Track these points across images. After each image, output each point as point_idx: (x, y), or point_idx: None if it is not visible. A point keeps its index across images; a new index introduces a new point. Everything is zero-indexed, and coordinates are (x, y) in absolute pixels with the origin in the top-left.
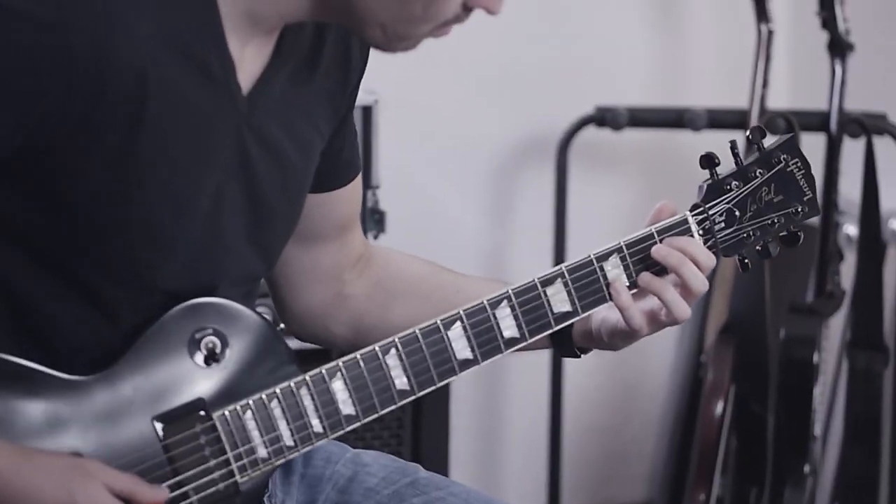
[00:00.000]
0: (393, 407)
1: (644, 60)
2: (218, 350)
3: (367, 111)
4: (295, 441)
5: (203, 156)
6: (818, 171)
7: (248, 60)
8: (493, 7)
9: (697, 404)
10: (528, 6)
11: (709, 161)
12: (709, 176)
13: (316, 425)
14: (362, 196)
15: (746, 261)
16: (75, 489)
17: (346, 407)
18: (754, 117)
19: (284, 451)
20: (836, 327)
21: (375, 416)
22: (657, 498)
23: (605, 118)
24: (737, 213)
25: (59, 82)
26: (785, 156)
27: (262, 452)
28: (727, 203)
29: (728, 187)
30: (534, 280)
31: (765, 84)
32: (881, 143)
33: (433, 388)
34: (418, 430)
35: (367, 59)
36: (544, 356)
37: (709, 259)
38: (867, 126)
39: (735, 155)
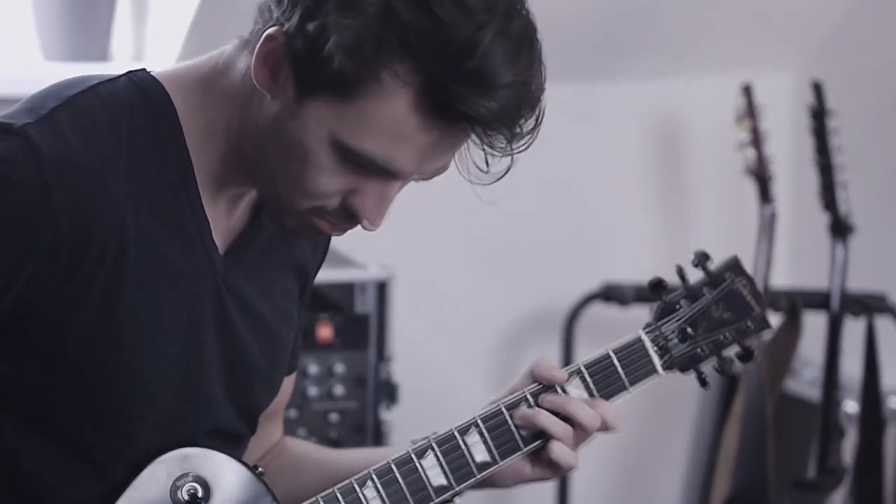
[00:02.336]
0: None
1: (649, 237)
2: (200, 495)
3: (382, 286)
4: None
5: (181, 309)
6: (820, 349)
7: (225, 222)
8: (370, 223)
9: None
10: (536, 184)
11: (657, 286)
12: (659, 300)
13: None
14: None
15: (704, 376)
16: None
17: None
18: None
19: None
20: (836, 502)
21: None
22: None
23: (611, 294)
24: (689, 330)
25: (44, 237)
26: (730, 274)
27: None
28: (678, 321)
29: (678, 307)
30: (452, 430)
31: (768, 263)
32: (882, 323)
33: None
34: None
35: (327, 252)
36: None
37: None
38: (868, 306)
39: (682, 278)
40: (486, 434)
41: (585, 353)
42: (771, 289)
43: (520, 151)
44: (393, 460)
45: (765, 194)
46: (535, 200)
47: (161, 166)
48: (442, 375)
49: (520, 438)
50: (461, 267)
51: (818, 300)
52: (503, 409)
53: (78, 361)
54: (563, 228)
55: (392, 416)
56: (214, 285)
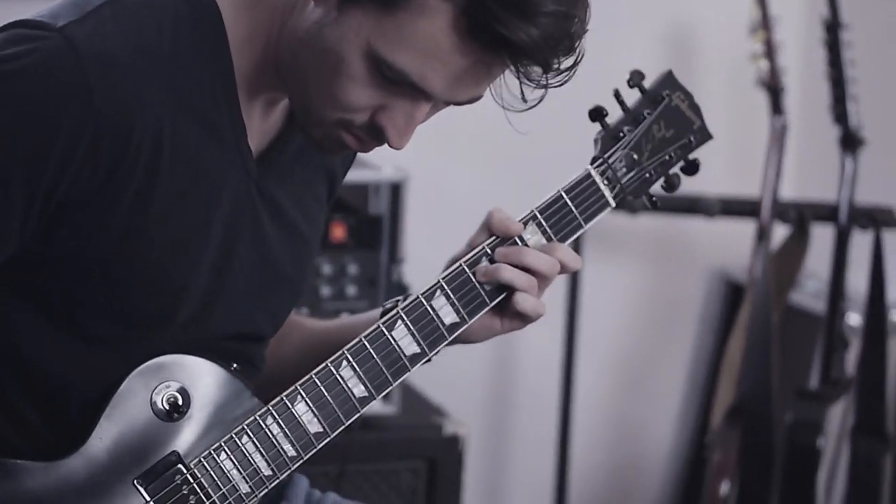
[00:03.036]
0: (357, 416)
1: None
2: (180, 402)
3: (396, 187)
4: (273, 469)
5: (212, 213)
6: (824, 262)
7: (259, 127)
8: (396, 142)
9: (699, 484)
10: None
11: (597, 113)
12: (600, 128)
13: (289, 450)
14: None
15: (654, 199)
16: None
17: (313, 426)
18: (766, 206)
19: (265, 482)
20: (834, 413)
21: (342, 428)
22: None
23: (621, 203)
24: (635, 156)
25: (85, 137)
26: (667, 91)
27: (244, 488)
28: (624, 149)
29: (621, 133)
30: (418, 296)
31: (777, 175)
32: (889, 236)
33: (390, 388)
34: (432, 502)
35: (355, 157)
36: (552, 429)
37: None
38: (876, 219)
39: (620, 102)
40: (451, 295)
41: (595, 264)
42: (780, 201)
43: (555, 86)
44: (364, 336)
45: (776, 106)
46: (547, 108)
47: (202, 68)
48: None
49: (484, 294)
50: (473, 172)
51: (826, 213)
52: (465, 267)
53: (107, 260)
54: (574, 136)
55: None
56: (247, 189)
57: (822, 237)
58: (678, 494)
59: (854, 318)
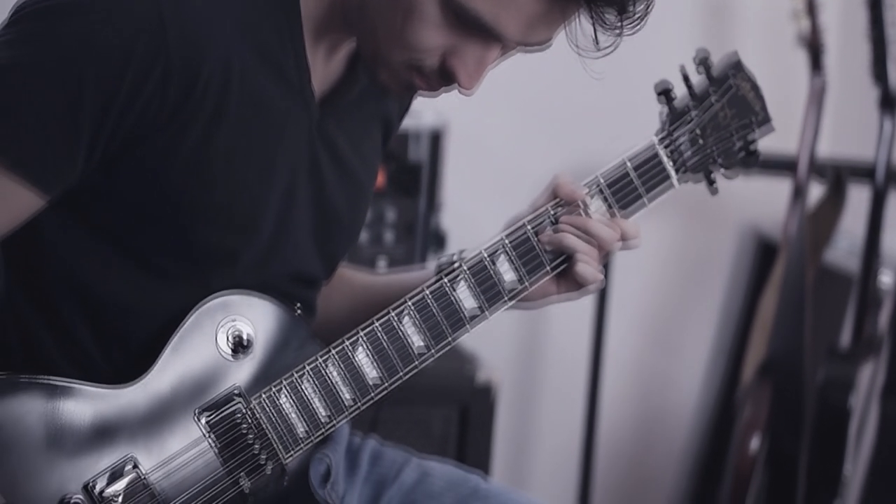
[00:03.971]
0: (413, 367)
1: None
2: (244, 339)
3: (436, 135)
4: (330, 413)
5: (275, 152)
6: (859, 222)
7: (323, 70)
8: (466, 84)
9: (727, 439)
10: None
11: (665, 92)
12: (666, 105)
13: (347, 396)
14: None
15: (715, 184)
16: None
17: (372, 373)
18: (804, 164)
19: (321, 425)
20: (865, 373)
21: (399, 377)
22: None
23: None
24: (699, 134)
25: (156, 71)
26: (734, 79)
27: (300, 430)
28: (688, 126)
29: (689, 112)
30: (481, 251)
31: (815, 134)
32: None
33: (448, 344)
34: (463, 449)
35: (410, 105)
36: (582, 381)
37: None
38: None
39: (688, 84)
40: (514, 257)
41: None
42: (817, 159)
43: (629, 33)
44: (427, 289)
45: (816, 64)
46: (586, 61)
47: (270, 8)
48: (486, 227)
49: (545, 259)
50: (511, 122)
51: (863, 172)
52: (529, 229)
53: (173, 197)
54: (611, 88)
55: None
56: (309, 131)
57: (858, 196)
58: (706, 449)
59: (887, 278)
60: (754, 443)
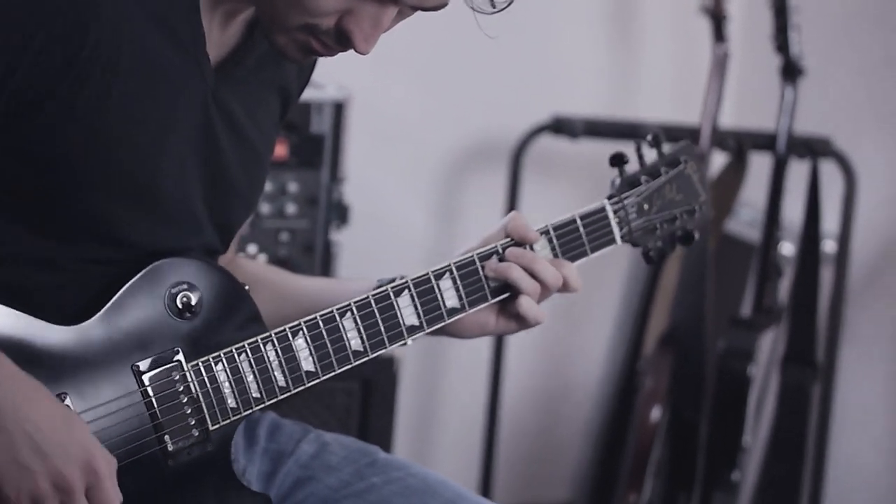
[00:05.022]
0: (348, 366)
1: (600, 71)
2: (192, 304)
3: (339, 107)
4: (261, 393)
5: (169, 117)
6: (760, 192)
7: (219, 37)
8: (362, 46)
9: (630, 410)
10: (488, 17)
11: (618, 159)
12: (618, 172)
13: (280, 379)
14: (330, 188)
15: (651, 254)
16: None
17: (307, 364)
18: (706, 134)
19: (252, 403)
20: (765, 342)
21: (333, 374)
22: (580, 499)
23: (561, 126)
24: (645, 206)
25: (42, 29)
26: (685, 158)
27: (231, 402)
28: (638, 196)
29: (640, 182)
30: (428, 273)
31: (718, 103)
32: (825, 167)
33: (383, 350)
34: (365, 422)
35: (310, 76)
36: (485, 355)
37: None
38: (814, 149)
39: (640, 156)
40: (458, 281)
41: (532, 186)
42: (719, 128)
43: None
44: (372, 296)
45: (719, 33)
46: (488, 28)
47: None
48: (388, 199)
49: (488, 289)
50: (413, 93)
51: (765, 141)
52: (476, 258)
53: (69, 162)
54: (514, 60)
55: (341, 238)
56: (203, 96)
57: (759, 166)
58: (609, 420)
59: (788, 248)
60: (655, 413)
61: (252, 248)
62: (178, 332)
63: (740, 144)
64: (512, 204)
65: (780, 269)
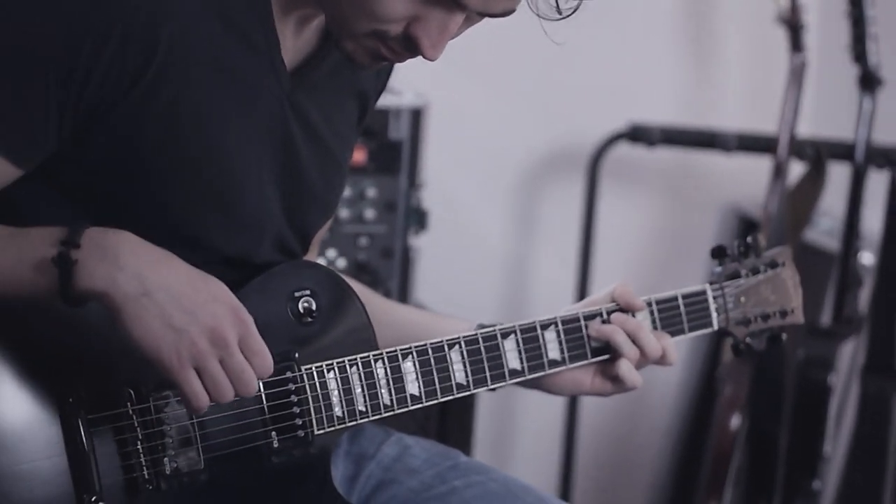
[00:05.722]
0: (450, 397)
1: (675, 81)
2: (313, 309)
3: (417, 113)
4: (366, 407)
5: (246, 122)
6: (839, 201)
7: (293, 43)
8: (429, 53)
9: (709, 417)
10: (567, 22)
11: (720, 251)
12: (717, 262)
13: (385, 397)
14: (408, 194)
15: (741, 346)
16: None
17: (413, 387)
18: (783, 143)
19: (357, 415)
20: (845, 351)
21: (434, 402)
22: None
23: (638, 135)
24: (742, 298)
25: (113, 39)
26: (783, 261)
27: (338, 411)
28: (737, 288)
29: (740, 275)
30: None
31: (795, 112)
32: None
33: (483, 388)
34: (444, 427)
35: (388, 81)
36: None
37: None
38: (892, 158)
39: (742, 251)
40: (562, 335)
41: (609, 195)
42: (797, 138)
43: None
44: (481, 334)
45: (796, 43)
46: (566, 37)
47: None
48: (466, 206)
49: (589, 348)
50: (490, 101)
51: (843, 151)
52: (581, 316)
53: (146, 164)
54: (591, 68)
55: (419, 243)
56: (279, 102)
57: (838, 176)
58: (687, 427)
59: (867, 257)
60: (734, 421)
61: (331, 253)
62: (297, 335)
63: (818, 154)
64: (589, 212)
65: (859, 279)
